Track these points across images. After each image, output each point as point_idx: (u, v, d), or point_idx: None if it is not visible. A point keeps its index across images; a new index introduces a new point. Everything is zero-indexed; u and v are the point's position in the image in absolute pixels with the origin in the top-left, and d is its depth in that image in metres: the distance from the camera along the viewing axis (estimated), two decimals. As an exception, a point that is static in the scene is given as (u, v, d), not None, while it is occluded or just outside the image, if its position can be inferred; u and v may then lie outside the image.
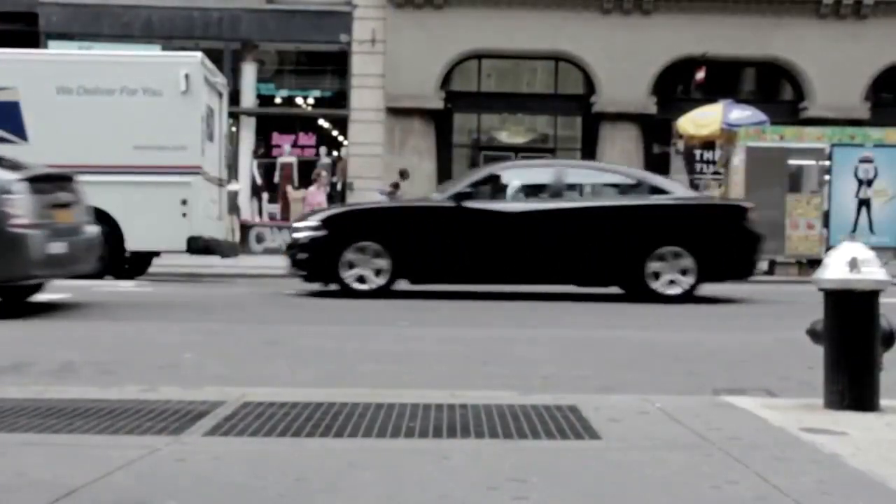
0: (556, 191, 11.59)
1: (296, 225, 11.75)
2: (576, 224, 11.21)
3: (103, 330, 7.84)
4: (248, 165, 23.37)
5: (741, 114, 18.34)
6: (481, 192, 11.51)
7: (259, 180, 23.36)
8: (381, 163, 22.88)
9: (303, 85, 24.10)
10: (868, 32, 22.64)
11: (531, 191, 11.96)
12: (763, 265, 15.25)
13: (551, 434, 3.64)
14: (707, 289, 11.41)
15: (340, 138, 24.30)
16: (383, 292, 10.97)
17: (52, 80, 14.54)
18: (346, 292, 11.00)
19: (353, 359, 6.31)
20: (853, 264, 4.04)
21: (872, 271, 4.05)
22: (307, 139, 23.86)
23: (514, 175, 12.32)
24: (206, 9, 22.78)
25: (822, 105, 22.39)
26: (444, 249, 11.22)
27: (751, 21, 22.57)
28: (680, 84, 23.70)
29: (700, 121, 18.65)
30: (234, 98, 21.72)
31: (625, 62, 22.40)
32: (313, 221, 11.48)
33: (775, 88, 24.16)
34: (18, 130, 14.47)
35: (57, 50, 20.34)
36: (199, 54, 15.26)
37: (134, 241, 14.25)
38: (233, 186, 19.75)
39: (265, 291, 12.60)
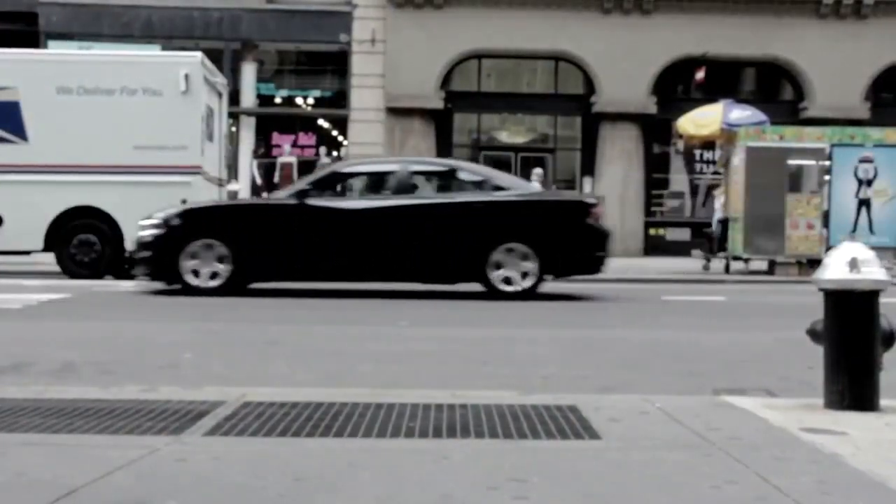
0: (399, 188, 11.51)
1: (140, 223, 11.61)
2: (417, 221, 11.18)
3: (103, 330, 7.84)
4: (247, 165, 23.37)
5: (741, 114, 18.32)
6: (325, 189, 11.49)
7: (259, 180, 23.35)
8: (381, 163, 22.91)
9: (303, 85, 24.10)
10: (868, 32, 22.64)
11: (376, 188, 11.93)
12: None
13: (551, 434, 3.64)
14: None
15: (340, 138, 24.30)
16: (226, 290, 10.89)
17: (52, 80, 14.53)
18: (188, 290, 10.92)
19: (352, 359, 6.31)
20: (853, 264, 4.04)
21: (872, 271, 4.05)
22: (307, 139, 23.85)
23: (358, 172, 12.32)
24: (206, 9, 22.78)
25: (822, 105, 22.39)
26: (286, 247, 11.13)
27: (751, 21, 22.57)
28: (680, 84, 23.70)
29: (700, 121, 18.64)
30: (234, 98, 21.72)
31: (625, 62, 22.40)
32: (155, 220, 11.37)
33: (775, 88, 24.16)
34: (18, 130, 14.45)
35: (57, 50, 20.34)
36: (199, 54, 15.26)
37: (134, 242, 14.24)
38: (233, 186, 19.74)
39: (265, 291, 12.59)
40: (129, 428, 3.66)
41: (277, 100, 23.84)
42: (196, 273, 11.00)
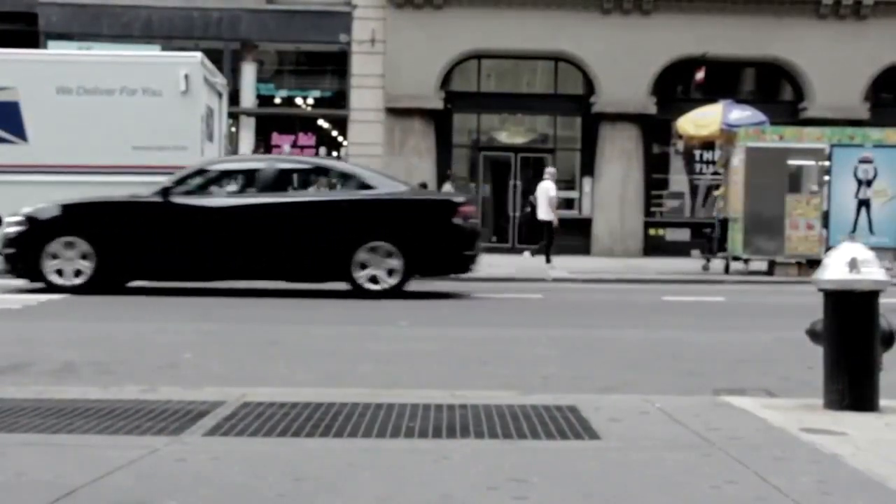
0: (265, 186, 11.45)
1: (6, 220, 11.53)
2: (282, 220, 11.16)
3: (103, 330, 7.84)
4: (247, 165, 23.36)
5: (741, 114, 18.30)
6: (192, 187, 11.44)
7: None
8: (380, 163, 22.85)
9: (302, 85, 24.10)
10: (868, 33, 22.64)
11: (243, 186, 11.85)
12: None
13: (551, 434, 3.64)
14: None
15: (340, 138, 24.29)
16: (93, 288, 10.83)
17: (51, 81, 14.54)
18: (51, 288, 10.85)
19: (352, 359, 6.31)
20: (853, 265, 4.04)
21: (872, 272, 4.05)
22: (307, 139, 23.84)
23: (225, 170, 12.25)
24: (206, 9, 22.77)
25: (821, 105, 22.38)
26: (150, 246, 11.08)
27: (750, 21, 22.56)
28: (680, 84, 23.69)
29: (700, 121, 18.63)
30: (234, 98, 21.72)
31: (624, 62, 22.39)
32: (19, 217, 11.29)
33: (775, 89, 24.15)
34: (18, 131, 14.46)
35: (56, 50, 20.34)
36: (198, 54, 15.26)
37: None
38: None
39: (265, 291, 12.58)
40: (129, 428, 3.66)
41: (277, 100, 23.84)
42: (60, 272, 10.94)
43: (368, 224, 11.15)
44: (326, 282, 11.49)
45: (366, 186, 11.47)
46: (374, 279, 11.00)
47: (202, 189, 11.58)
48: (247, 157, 12.01)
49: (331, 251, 11.03)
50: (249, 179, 11.74)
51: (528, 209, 20.74)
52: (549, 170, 20.17)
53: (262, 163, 12.27)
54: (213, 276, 11.51)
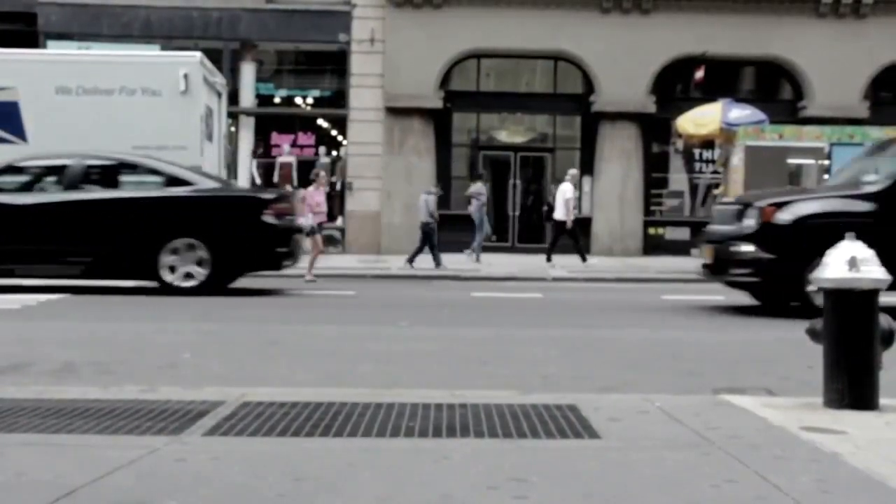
0: (73, 183, 11.44)
1: None
2: (87, 217, 11.13)
3: (103, 330, 7.84)
4: (247, 165, 23.34)
5: (740, 113, 18.31)
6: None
7: (258, 180, 23.33)
8: (380, 162, 22.88)
9: (302, 85, 24.08)
10: (867, 32, 22.62)
11: (50, 183, 11.80)
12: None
13: (551, 434, 3.64)
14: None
15: (339, 138, 24.28)
16: None
17: (51, 81, 14.53)
18: None
19: (352, 358, 6.31)
20: (852, 263, 4.04)
21: (871, 270, 4.05)
22: (306, 139, 23.83)
23: (33, 167, 12.16)
24: (206, 9, 22.75)
25: (821, 104, 22.37)
26: None
27: (750, 20, 22.55)
28: (679, 83, 23.68)
29: (699, 120, 18.63)
30: (234, 98, 21.70)
31: (624, 61, 22.38)
32: None
33: (774, 87, 24.14)
34: (17, 131, 14.46)
35: (56, 50, 20.33)
36: (198, 54, 15.26)
37: None
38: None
39: (265, 291, 12.59)
40: (129, 428, 3.66)
41: (276, 100, 23.82)
42: None
43: (176, 221, 11.16)
44: (135, 279, 11.49)
45: (179, 183, 11.45)
46: (186, 276, 11.04)
47: (9, 186, 11.54)
48: (56, 154, 11.88)
49: (138, 248, 11.03)
50: (57, 176, 11.68)
51: (546, 208, 20.74)
52: (571, 171, 20.17)
53: (70, 159, 11.94)
54: (14, 275, 11.42)
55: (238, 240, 11.24)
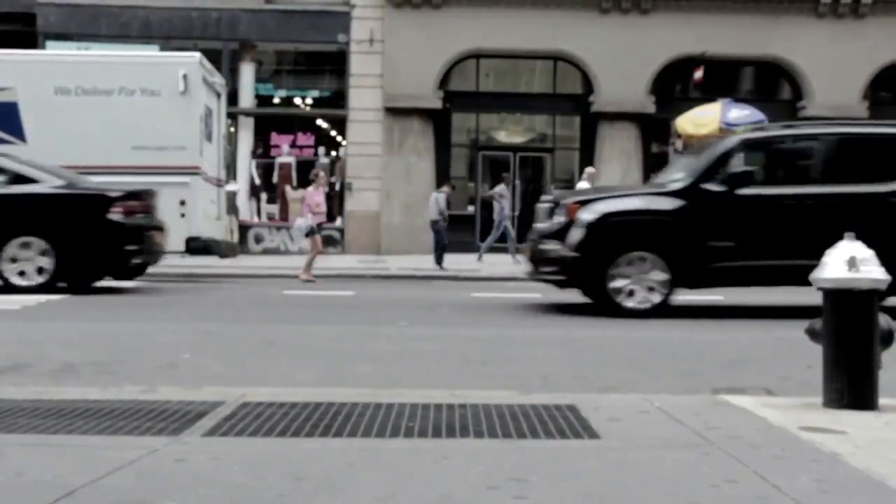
0: None
1: None
2: None
3: (103, 330, 7.84)
4: (246, 166, 23.36)
5: (740, 113, 18.32)
6: None
7: (257, 180, 23.35)
8: (379, 163, 22.89)
9: (301, 85, 24.08)
10: (866, 31, 22.64)
11: None
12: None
13: (551, 434, 3.64)
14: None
15: (339, 138, 24.28)
16: None
17: (50, 81, 14.54)
18: None
19: (352, 358, 6.31)
20: (852, 263, 4.04)
21: (871, 270, 4.05)
22: (306, 139, 23.83)
23: None
24: (205, 9, 22.75)
25: (820, 104, 22.38)
26: None
27: (749, 20, 22.57)
28: (678, 83, 23.69)
29: (699, 120, 18.64)
30: (233, 98, 21.71)
31: (623, 62, 22.39)
32: None
33: (774, 87, 24.15)
34: (17, 131, 14.47)
35: (55, 50, 20.34)
36: (197, 54, 15.27)
37: None
38: (231, 187, 19.75)
39: (264, 292, 12.59)
40: (129, 428, 3.66)
41: (276, 100, 23.82)
42: None
43: (18, 219, 11.06)
44: None
45: (25, 180, 11.28)
46: (37, 273, 10.91)
47: None
48: None
49: None
50: None
51: None
52: (589, 170, 20.01)
53: None
54: None
55: (81, 238, 11.06)
